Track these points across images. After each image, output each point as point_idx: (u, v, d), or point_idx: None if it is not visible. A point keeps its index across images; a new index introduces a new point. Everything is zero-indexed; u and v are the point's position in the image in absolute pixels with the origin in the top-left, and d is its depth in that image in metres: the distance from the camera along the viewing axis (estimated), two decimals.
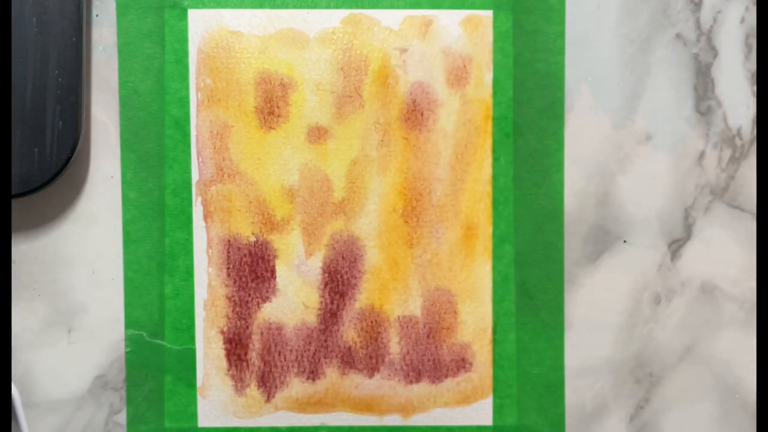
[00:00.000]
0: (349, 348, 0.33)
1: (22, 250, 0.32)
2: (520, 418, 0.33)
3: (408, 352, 0.33)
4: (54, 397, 0.32)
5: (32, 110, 0.30)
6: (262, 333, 0.32)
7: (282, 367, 0.32)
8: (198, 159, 0.32)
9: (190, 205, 0.32)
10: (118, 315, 0.32)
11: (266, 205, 0.32)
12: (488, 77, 0.32)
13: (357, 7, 0.32)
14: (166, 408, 0.32)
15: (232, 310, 0.32)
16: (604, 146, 0.33)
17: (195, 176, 0.32)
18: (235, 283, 0.32)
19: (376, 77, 0.32)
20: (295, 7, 0.32)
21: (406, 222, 0.32)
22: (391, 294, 0.32)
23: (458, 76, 0.32)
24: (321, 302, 0.32)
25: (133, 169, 0.32)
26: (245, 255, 0.32)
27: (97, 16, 0.32)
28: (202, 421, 0.32)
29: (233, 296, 0.32)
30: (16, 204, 0.32)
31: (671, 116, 0.33)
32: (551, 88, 0.33)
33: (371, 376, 0.33)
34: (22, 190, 0.30)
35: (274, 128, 0.32)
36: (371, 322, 0.32)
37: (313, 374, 0.33)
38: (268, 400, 0.32)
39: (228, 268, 0.32)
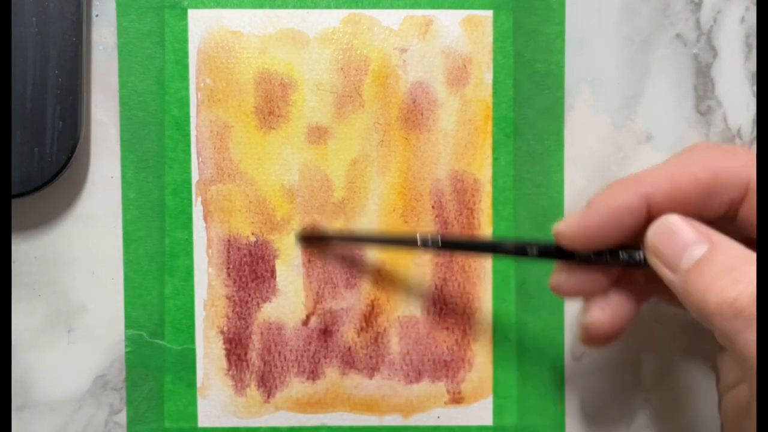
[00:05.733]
0: (349, 348, 0.33)
1: (22, 250, 0.32)
2: (520, 418, 0.33)
3: (408, 352, 0.33)
4: (54, 397, 0.32)
5: (32, 110, 0.30)
6: (262, 333, 0.32)
7: (282, 367, 0.32)
8: (198, 159, 0.32)
9: (190, 205, 0.32)
10: (118, 315, 0.32)
11: (266, 205, 0.32)
12: (488, 77, 0.32)
13: (357, 7, 0.32)
14: (166, 408, 0.32)
15: (232, 310, 0.32)
16: (604, 146, 0.33)
17: (195, 176, 0.32)
18: (235, 283, 0.32)
19: (376, 77, 0.32)
20: (295, 7, 0.32)
21: (406, 222, 0.32)
22: (391, 294, 0.32)
23: (458, 76, 0.32)
24: (321, 302, 0.32)
25: (133, 169, 0.32)
26: (245, 255, 0.32)
27: (97, 16, 0.32)
28: (202, 421, 0.32)
29: (233, 296, 0.32)
30: (16, 204, 0.32)
31: (671, 116, 0.33)
32: (551, 88, 0.33)
33: (371, 376, 0.33)
34: (22, 190, 0.30)
35: (274, 128, 0.32)
36: (371, 322, 0.32)
37: (313, 374, 0.33)
38: (267, 400, 0.32)
39: (228, 268, 0.32)
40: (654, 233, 0.24)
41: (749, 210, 0.24)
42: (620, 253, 0.25)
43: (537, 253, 0.26)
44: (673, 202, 0.24)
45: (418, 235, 0.29)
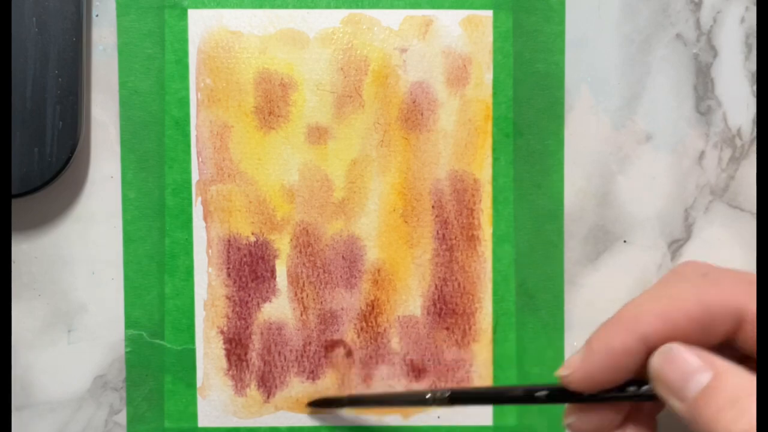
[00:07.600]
0: (349, 348, 0.33)
1: (22, 250, 0.32)
2: (520, 418, 0.33)
3: (408, 352, 0.33)
4: (54, 397, 0.32)
5: (32, 110, 0.30)
6: (262, 333, 0.32)
7: (282, 367, 0.32)
8: (198, 159, 0.32)
9: (190, 205, 0.32)
10: (118, 315, 0.32)
11: (266, 205, 0.32)
12: (488, 77, 0.32)
13: (357, 7, 0.32)
14: (166, 408, 0.32)
15: (232, 310, 0.32)
16: (604, 146, 0.33)
17: (195, 176, 0.32)
18: (235, 283, 0.32)
19: (376, 77, 0.32)
20: (295, 7, 0.32)
21: (406, 222, 0.32)
22: (391, 294, 0.32)
23: (458, 76, 0.32)
24: (321, 302, 0.32)
25: (133, 169, 0.32)
26: (245, 255, 0.32)
27: (97, 16, 0.32)
28: (202, 421, 0.32)
29: (233, 296, 0.32)
30: (16, 204, 0.32)
31: (671, 116, 0.33)
32: (551, 88, 0.33)
33: (371, 376, 0.33)
34: (22, 190, 0.30)
35: (274, 128, 0.32)
36: (371, 322, 0.32)
37: (313, 374, 0.33)
38: (267, 400, 0.32)
39: (228, 268, 0.32)
40: (657, 363, 0.24)
41: (746, 338, 0.24)
42: (627, 388, 0.25)
43: (546, 397, 0.26)
44: (669, 339, 0.24)
45: (428, 394, 0.28)
